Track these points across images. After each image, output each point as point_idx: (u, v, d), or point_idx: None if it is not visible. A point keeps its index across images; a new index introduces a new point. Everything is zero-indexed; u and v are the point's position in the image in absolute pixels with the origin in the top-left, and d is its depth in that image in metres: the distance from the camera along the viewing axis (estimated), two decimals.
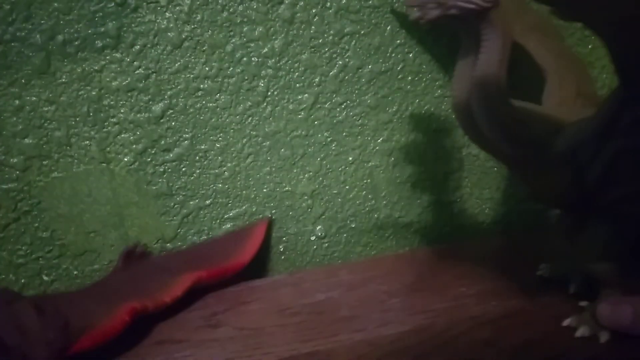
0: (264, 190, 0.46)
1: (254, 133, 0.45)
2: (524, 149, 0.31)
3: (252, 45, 0.43)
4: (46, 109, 0.41)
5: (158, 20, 0.41)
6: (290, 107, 0.45)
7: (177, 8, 0.41)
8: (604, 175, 0.29)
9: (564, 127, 0.31)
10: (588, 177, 0.30)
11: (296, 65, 0.44)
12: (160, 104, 0.42)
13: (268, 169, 0.46)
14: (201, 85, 0.43)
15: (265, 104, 0.44)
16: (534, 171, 0.33)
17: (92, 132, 0.42)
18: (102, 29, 0.40)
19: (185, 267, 0.40)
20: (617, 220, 0.31)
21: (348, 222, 0.48)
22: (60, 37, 0.40)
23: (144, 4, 0.40)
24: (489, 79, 0.30)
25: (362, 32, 0.44)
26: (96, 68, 0.41)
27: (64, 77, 0.40)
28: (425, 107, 0.47)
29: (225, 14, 0.42)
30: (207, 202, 0.45)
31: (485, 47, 0.30)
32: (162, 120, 0.43)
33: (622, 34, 0.24)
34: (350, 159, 0.47)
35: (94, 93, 0.41)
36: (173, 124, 0.43)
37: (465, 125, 0.33)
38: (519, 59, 0.37)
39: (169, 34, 0.41)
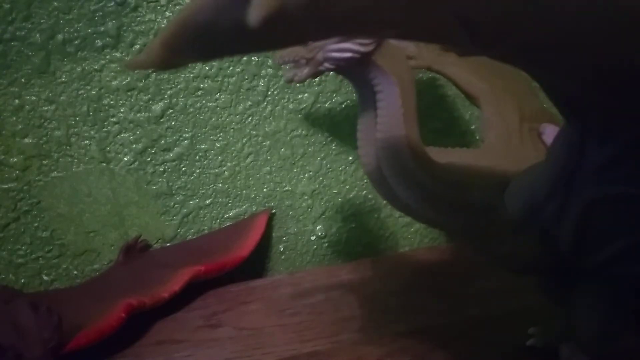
0: (264, 189, 0.46)
1: (254, 132, 0.44)
2: (464, 217, 0.26)
3: None
4: (46, 108, 0.41)
5: (158, 20, 0.41)
6: (291, 106, 0.45)
7: (177, 7, 0.41)
8: (579, 233, 0.22)
9: (509, 181, 0.25)
10: (560, 238, 0.23)
11: None
12: (160, 104, 0.42)
13: (268, 168, 0.46)
14: (201, 85, 0.43)
15: (265, 103, 0.44)
16: (486, 240, 0.27)
17: (92, 132, 0.42)
18: (102, 28, 0.40)
19: (184, 261, 0.40)
20: (612, 286, 0.24)
21: (348, 222, 0.48)
22: (60, 37, 0.40)
23: (144, 3, 0.40)
24: (394, 140, 0.25)
25: None
26: (96, 67, 0.41)
27: (64, 76, 0.40)
28: (426, 107, 0.47)
29: None
30: (207, 201, 0.45)
31: (381, 100, 0.25)
32: (162, 120, 0.43)
33: (567, 57, 0.16)
34: (350, 158, 0.47)
35: (93, 92, 0.41)
36: (173, 123, 0.43)
37: (387, 195, 0.28)
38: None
39: None
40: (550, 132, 0.32)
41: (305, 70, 0.25)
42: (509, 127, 0.31)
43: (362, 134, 0.27)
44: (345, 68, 0.25)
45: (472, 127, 0.49)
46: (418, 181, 0.25)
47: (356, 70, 0.25)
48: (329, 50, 0.24)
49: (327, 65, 0.25)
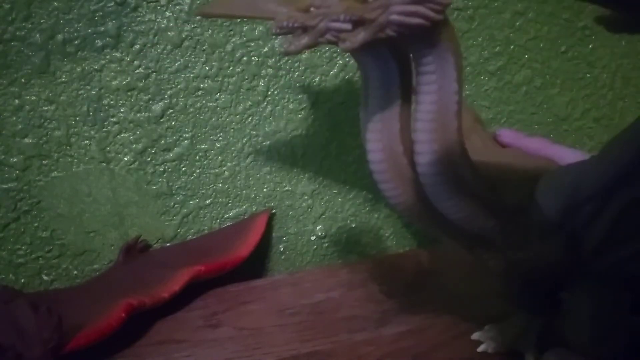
0: (264, 189, 0.46)
1: (254, 132, 0.44)
2: (495, 222, 0.23)
3: (253, 44, 0.43)
4: (46, 108, 0.41)
5: (158, 20, 0.41)
6: (291, 106, 0.45)
7: (177, 7, 0.41)
8: (609, 234, 0.22)
9: (536, 180, 0.24)
10: (586, 240, 0.22)
11: (296, 64, 0.44)
12: (160, 104, 0.42)
13: (268, 168, 0.46)
14: (201, 85, 0.43)
15: (265, 103, 0.44)
16: (508, 246, 0.25)
17: (92, 132, 0.42)
18: (102, 28, 0.40)
19: (184, 261, 0.40)
20: (614, 285, 0.24)
21: (348, 222, 0.48)
22: (60, 37, 0.40)
23: (144, 3, 0.40)
24: (444, 136, 0.21)
25: None
26: (96, 67, 0.41)
27: (64, 76, 0.40)
28: None
29: None
30: (207, 201, 0.45)
31: (430, 83, 0.21)
32: (162, 120, 0.43)
33: None
34: (351, 159, 0.47)
35: (93, 92, 0.41)
36: (173, 123, 0.43)
37: (411, 206, 0.24)
38: None
39: (169, 33, 0.41)
40: (507, 135, 0.31)
41: (304, 40, 0.20)
42: (466, 127, 0.29)
43: (376, 130, 0.23)
44: (402, 38, 0.20)
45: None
46: (464, 180, 0.22)
47: (406, 45, 0.21)
48: (393, 13, 0.19)
49: (388, 31, 0.20)
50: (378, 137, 0.23)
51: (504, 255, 0.26)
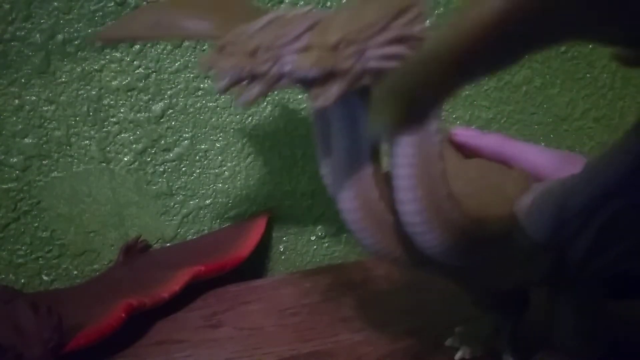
0: (264, 189, 0.46)
1: (254, 132, 0.44)
2: (482, 253, 0.22)
3: None
4: (46, 108, 0.41)
5: None
6: (291, 106, 0.45)
7: None
8: (595, 245, 0.21)
9: (512, 201, 0.23)
10: (572, 251, 0.22)
11: None
12: (160, 104, 0.42)
13: (268, 168, 0.45)
14: (201, 85, 0.43)
15: (265, 103, 0.44)
16: (495, 271, 0.24)
17: (92, 132, 0.42)
18: (102, 29, 0.40)
19: (184, 261, 0.40)
20: (599, 287, 0.24)
21: None
22: (60, 37, 0.40)
23: (144, 3, 0.40)
24: (435, 186, 0.19)
25: None
26: (96, 67, 0.41)
27: (64, 76, 0.40)
28: None
29: None
30: (207, 201, 0.45)
31: None
32: (162, 120, 0.43)
33: None
34: None
35: (93, 92, 0.41)
36: (173, 123, 0.43)
37: (387, 246, 0.22)
38: None
39: None
40: (462, 134, 0.30)
41: (255, 90, 0.18)
42: None
43: (345, 178, 0.21)
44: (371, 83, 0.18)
45: (472, 127, 0.49)
46: (452, 223, 0.20)
47: (366, 87, 0.18)
48: (371, 59, 0.17)
49: (365, 80, 0.18)
50: (349, 185, 0.21)
51: (488, 279, 0.25)
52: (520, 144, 0.29)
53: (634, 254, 0.22)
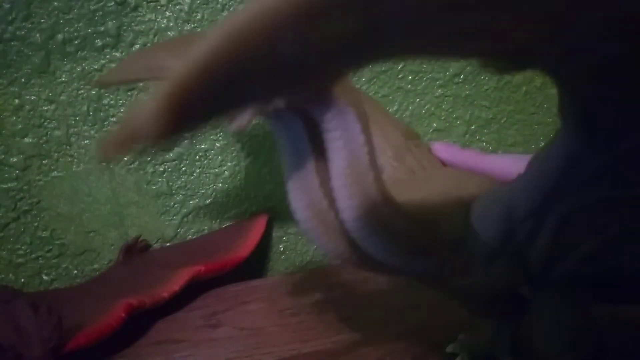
0: (264, 189, 0.46)
1: (254, 132, 0.44)
2: (436, 257, 0.23)
3: None
4: (46, 108, 0.41)
5: (158, 19, 0.41)
6: None
7: (178, 7, 0.41)
8: (553, 246, 0.22)
9: (467, 206, 0.23)
10: (532, 254, 0.22)
11: None
12: None
13: (268, 168, 0.45)
14: None
15: None
16: (457, 275, 0.24)
17: (92, 132, 0.42)
18: (102, 28, 0.40)
19: (184, 261, 0.40)
20: (573, 288, 0.24)
21: None
22: (60, 36, 0.39)
23: (144, 3, 0.40)
24: (361, 185, 0.21)
25: None
26: (96, 67, 0.41)
27: (64, 76, 0.40)
28: (426, 107, 0.47)
29: (225, 13, 0.42)
30: (207, 201, 0.45)
31: (336, 139, 0.20)
32: None
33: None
34: None
35: (93, 92, 0.41)
36: None
37: (341, 251, 0.23)
38: None
39: (169, 33, 0.41)
40: (441, 150, 0.30)
41: (245, 117, 0.19)
42: (398, 147, 0.29)
43: (296, 188, 0.22)
44: (296, 103, 0.20)
45: (473, 127, 0.49)
46: (393, 228, 0.22)
47: (301, 108, 0.20)
48: None
49: (277, 103, 0.19)
50: (300, 196, 0.22)
51: (452, 283, 0.25)
52: (494, 157, 0.29)
53: (600, 256, 0.22)
